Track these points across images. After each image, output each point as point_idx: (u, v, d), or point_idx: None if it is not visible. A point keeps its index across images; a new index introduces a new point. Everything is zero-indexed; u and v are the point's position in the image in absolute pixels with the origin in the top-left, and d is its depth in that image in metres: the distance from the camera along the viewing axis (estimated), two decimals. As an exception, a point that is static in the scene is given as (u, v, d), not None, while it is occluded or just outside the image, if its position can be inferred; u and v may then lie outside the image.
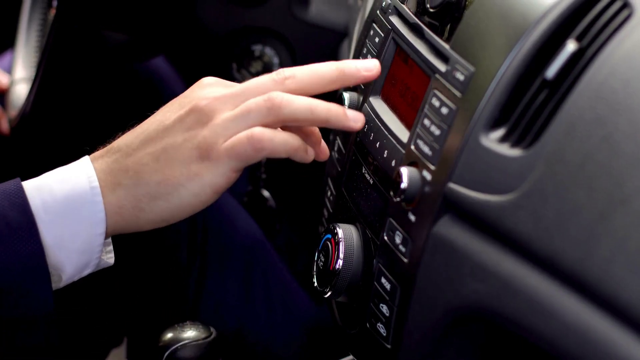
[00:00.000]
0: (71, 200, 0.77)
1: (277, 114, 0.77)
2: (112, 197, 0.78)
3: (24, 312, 0.77)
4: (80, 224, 0.77)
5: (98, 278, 1.03)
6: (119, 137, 0.82)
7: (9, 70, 1.26)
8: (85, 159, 0.80)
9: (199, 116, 0.78)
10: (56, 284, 0.79)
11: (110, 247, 0.82)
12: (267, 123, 0.77)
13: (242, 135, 0.76)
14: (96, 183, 0.78)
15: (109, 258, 0.82)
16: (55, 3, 1.03)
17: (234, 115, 0.77)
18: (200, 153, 0.77)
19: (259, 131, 0.76)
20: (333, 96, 1.06)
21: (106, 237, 0.79)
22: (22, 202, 0.76)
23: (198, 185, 0.77)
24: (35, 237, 0.76)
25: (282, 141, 0.77)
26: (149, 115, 0.82)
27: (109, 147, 0.81)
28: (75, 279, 0.80)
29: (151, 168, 0.77)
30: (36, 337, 0.80)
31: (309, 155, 0.80)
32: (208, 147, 0.77)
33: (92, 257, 0.79)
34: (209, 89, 0.80)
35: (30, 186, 0.78)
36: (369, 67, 0.81)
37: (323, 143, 0.83)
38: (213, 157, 0.77)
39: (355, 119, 0.80)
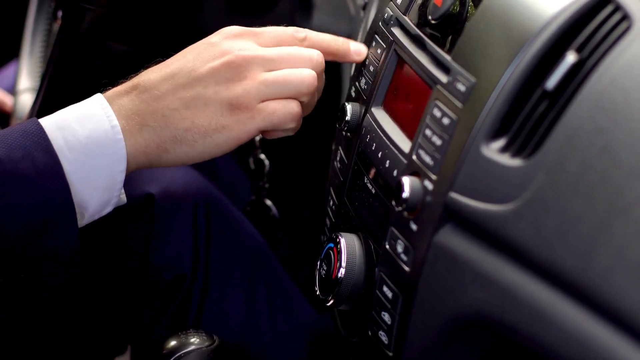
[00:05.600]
0: (93, 139, 0.79)
1: (310, 90, 0.85)
2: (139, 137, 0.80)
3: (51, 250, 0.78)
4: (103, 162, 0.79)
5: (101, 284, 1.03)
6: (142, 72, 0.84)
7: (14, 80, 1.26)
8: (99, 97, 0.82)
9: (233, 73, 0.82)
10: (79, 222, 0.80)
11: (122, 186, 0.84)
12: (298, 96, 0.85)
13: (282, 106, 0.83)
14: (116, 122, 0.80)
15: (122, 195, 0.84)
16: (60, 14, 1.04)
17: (272, 81, 0.83)
18: (232, 108, 0.81)
19: (298, 109, 0.85)
20: (336, 108, 1.07)
21: (127, 174, 0.81)
22: (45, 142, 0.78)
23: (224, 137, 0.82)
24: (61, 175, 0.77)
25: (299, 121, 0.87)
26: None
27: (133, 83, 0.83)
28: (96, 217, 0.82)
29: (180, 114, 0.81)
30: (60, 276, 0.81)
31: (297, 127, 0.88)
32: (241, 104, 0.81)
33: (113, 194, 0.81)
34: (240, 43, 0.85)
35: (50, 125, 0.79)
36: (359, 51, 0.90)
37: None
38: (245, 114, 0.81)
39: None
